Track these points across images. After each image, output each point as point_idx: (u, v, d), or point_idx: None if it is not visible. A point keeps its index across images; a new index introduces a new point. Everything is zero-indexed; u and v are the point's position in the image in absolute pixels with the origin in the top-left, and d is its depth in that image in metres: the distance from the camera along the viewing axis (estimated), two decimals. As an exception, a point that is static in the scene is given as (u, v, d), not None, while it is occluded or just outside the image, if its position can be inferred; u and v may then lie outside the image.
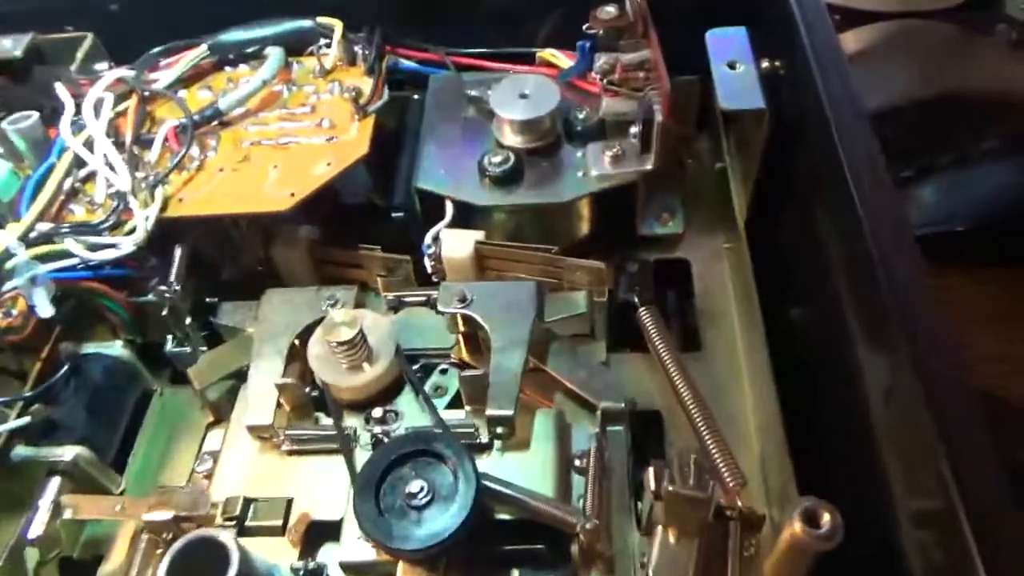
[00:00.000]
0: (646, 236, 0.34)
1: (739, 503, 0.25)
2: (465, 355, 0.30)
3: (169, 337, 0.30)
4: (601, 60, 0.31)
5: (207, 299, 0.31)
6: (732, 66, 0.28)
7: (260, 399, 0.27)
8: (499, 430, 0.26)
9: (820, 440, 0.27)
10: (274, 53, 0.32)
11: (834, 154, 0.25)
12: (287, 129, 0.31)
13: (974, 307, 0.41)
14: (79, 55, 0.33)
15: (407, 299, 0.32)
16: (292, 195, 0.28)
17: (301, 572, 0.24)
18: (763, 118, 0.27)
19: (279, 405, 0.27)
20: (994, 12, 0.55)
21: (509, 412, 0.26)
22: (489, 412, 0.26)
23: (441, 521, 0.23)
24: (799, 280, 0.29)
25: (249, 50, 0.33)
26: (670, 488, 0.21)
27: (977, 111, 0.48)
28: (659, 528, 0.23)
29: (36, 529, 0.25)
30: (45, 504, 0.26)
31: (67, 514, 0.25)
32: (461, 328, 0.30)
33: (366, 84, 0.32)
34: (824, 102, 0.25)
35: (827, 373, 0.27)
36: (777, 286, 0.30)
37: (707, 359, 0.31)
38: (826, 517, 0.17)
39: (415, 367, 0.30)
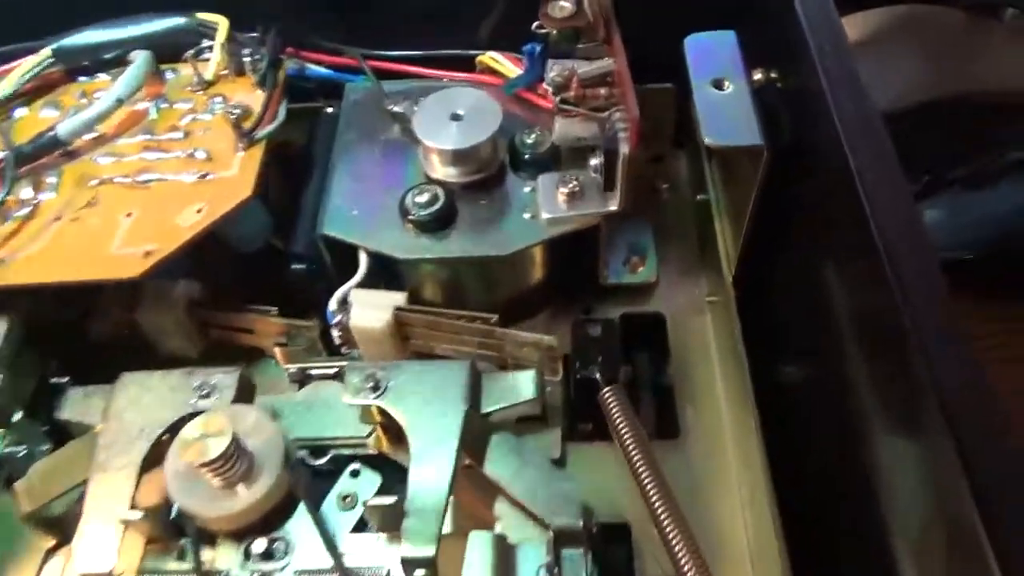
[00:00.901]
0: (608, 286, 0.28)
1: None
2: (386, 447, 0.24)
3: (-1, 433, 0.23)
4: (554, 71, 0.24)
5: (52, 380, 0.24)
6: (719, 85, 0.21)
7: (98, 536, 0.20)
8: (419, 573, 0.20)
9: (830, 548, 0.21)
10: (138, 59, 0.25)
11: (852, 192, 0.19)
12: (150, 162, 0.24)
13: (985, 347, 0.36)
14: None
15: (314, 372, 0.25)
16: (147, 255, 0.21)
17: None
18: (760, 156, 0.20)
19: (128, 544, 0.20)
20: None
21: (429, 553, 0.19)
22: (403, 553, 0.20)
23: None
24: (802, 346, 0.23)
25: (108, 55, 0.26)
26: None
27: (993, 115, 0.42)
28: None
29: None
30: None
31: None
32: (378, 418, 0.23)
33: (257, 100, 0.25)
34: (838, 127, 0.19)
35: (841, 463, 0.21)
36: (772, 350, 0.24)
37: (686, 448, 0.25)
38: None
39: (323, 460, 0.24)
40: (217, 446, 0.20)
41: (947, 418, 0.15)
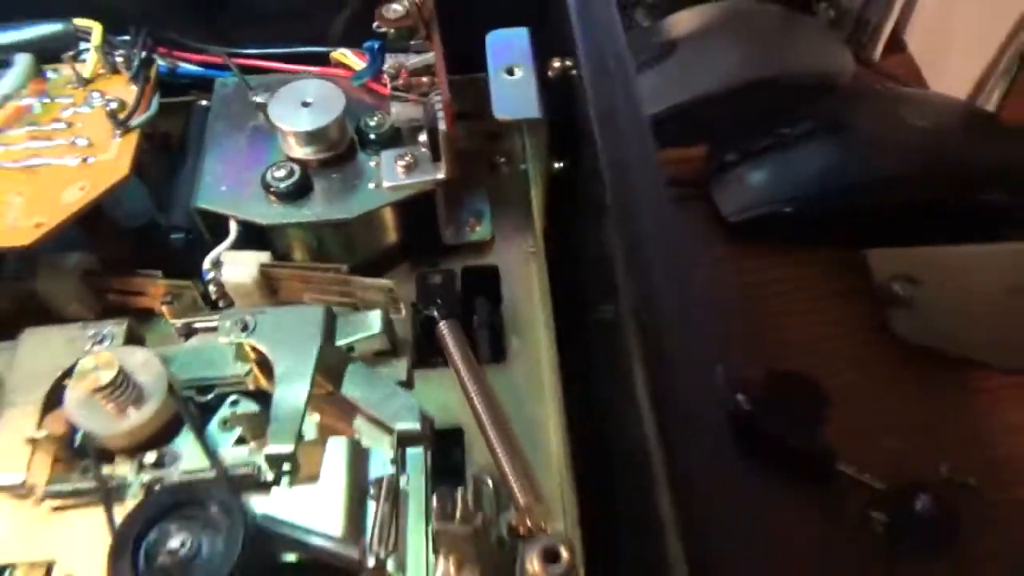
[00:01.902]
0: (452, 244, 0.33)
1: (529, 522, 0.25)
2: (263, 382, 0.29)
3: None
4: (388, 63, 0.30)
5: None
6: (510, 72, 0.27)
7: (9, 455, 0.24)
8: (284, 467, 0.25)
9: (605, 445, 0.27)
10: (20, 61, 0.29)
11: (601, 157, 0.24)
12: (36, 149, 0.28)
13: (797, 290, 0.43)
14: None
15: (197, 325, 0.30)
16: (38, 226, 0.25)
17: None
18: (540, 127, 0.26)
19: (36, 460, 0.25)
20: (813, -8, 0.57)
21: (288, 449, 0.24)
22: (267, 450, 0.24)
23: (206, 574, 0.22)
24: (589, 288, 0.29)
25: (-6, 58, 0.29)
26: (435, 524, 0.21)
27: (793, 94, 0.49)
28: (440, 558, 0.23)
29: None
30: None
31: None
32: (252, 356, 0.28)
33: (130, 93, 0.29)
34: (590, 102, 0.25)
35: (608, 385, 0.27)
36: (576, 292, 0.30)
37: (510, 370, 0.30)
38: (564, 556, 0.17)
39: (209, 397, 0.28)
40: (107, 375, 0.24)
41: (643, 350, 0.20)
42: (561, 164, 0.31)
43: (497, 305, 0.32)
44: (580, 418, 0.29)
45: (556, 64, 0.30)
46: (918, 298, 0.38)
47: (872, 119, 0.44)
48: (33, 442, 0.24)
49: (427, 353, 0.31)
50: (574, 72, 0.30)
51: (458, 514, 0.21)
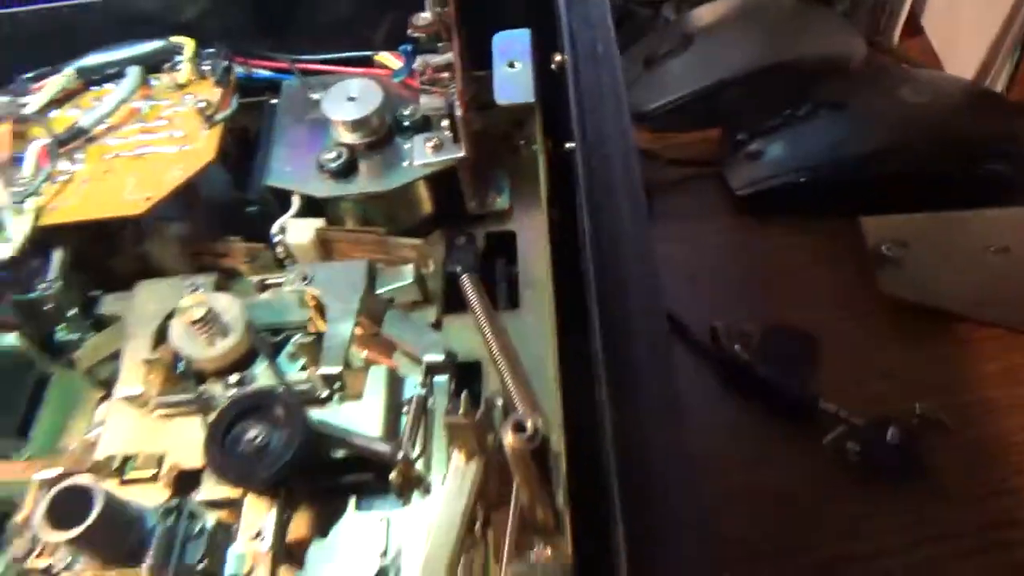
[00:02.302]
0: (477, 214, 0.39)
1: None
2: (320, 325, 0.35)
3: (59, 327, 0.35)
4: (417, 62, 0.36)
5: (91, 293, 0.36)
6: (511, 65, 0.32)
7: (132, 374, 0.32)
8: (335, 385, 0.32)
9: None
10: (131, 73, 0.37)
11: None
12: (144, 141, 0.35)
13: (796, 255, 0.47)
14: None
15: (271, 281, 0.37)
16: (147, 199, 0.33)
17: (165, 510, 0.29)
18: (533, 109, 0.32)
19: (150, 377, 0.32)
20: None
21: (337, 370, 0.31)
22: (320, 371, 0.31)
23: (273, 458, 0.28)
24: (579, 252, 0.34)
25: (111, 71, 0.37)
26: (444, 418, 0.27)
27: (805, 79, 0.53)
28: (454, 452, 0.29)
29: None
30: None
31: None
32: (311, 303, 0.35)
33: (216, 95, 0.36)
34: (571, 91, 0.30)
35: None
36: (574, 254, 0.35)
37: (522, 316, 0.36)
38: (528, 424, 0.23)
39: (277, 338, 0.35)
40: (199, 311, 0.31)
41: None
42: (571, 145, 0.37)
43: (513, 263, 0.38)
44: (572, 357, 0.34)
45: (557, 58, 0.36)
46: (906, 259, 0.42)
47: (872, 96, 0.48)
48: (148, 363, 0.32)
49: (453, 303, 0.37)
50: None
51: (461, 411, 0.27)
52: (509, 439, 0.23)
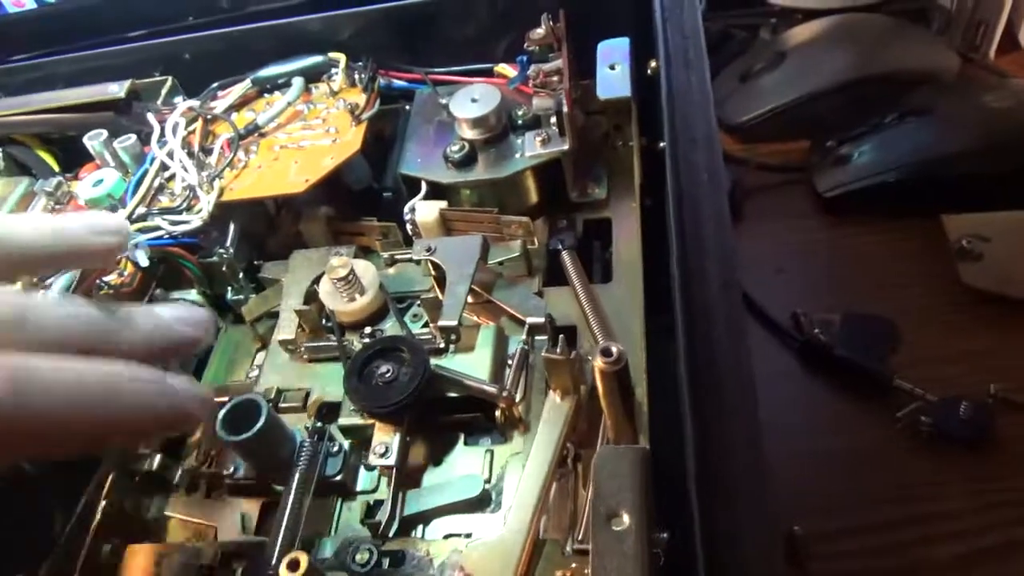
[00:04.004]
0: (578, 202, 0.44)
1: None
2: (439, 294, 0.41)
3: (229, 288, 0.42)
4: (531, 70, 0.42)
5: (256, 261, 0.43)
6: (612, 67, 0.38)
7: (287, 323, 0.39)
8: (451, 337, 0.37)
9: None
10: (296, 82, 0.44)
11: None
12: (305, 135, 0.43)
13: (878, 250, 0.49)
14: (163, 92, 0.46)
15: (398, 256, 0.43)
16: (307, 181, 0.40)
17: (311, 432, 0.36)
18: (629, 104, 0.37)
19: (300, 327, 0.39)
20: (926, 2, 0.63)
21: (453, 322, 0.37)
22: (439, 323, 0.37)
23: (400, 390, 0.34)
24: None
25: (280, 81, 0.45)
26: (544, 354, 0.32)
27: (895, 91, 0.55)
28: (550, 391, 0.34)
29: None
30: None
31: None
32: (433, 272, 0.41)
33: (363, 99, 0.43)
34: (663, 90, 0.35)
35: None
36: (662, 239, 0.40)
37: (614, 288, 0.40)
38: (614, 349, 0.27)
39: (402, 305, 0.41)
40: (342, 271, 0.38)
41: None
42: (664, 144, 0.42)
43: (607, 247, 0.43)
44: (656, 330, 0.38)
45: (653, 64, 0.41)
46: (987, 252, 0.44)
47: (956, 102, 0.50)
48: (300, 315, 0.38)
49: (552, 278, 0.42)
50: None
51: (559, 349, 0.32)
52: (598, 362, 0.28)
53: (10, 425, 0.19)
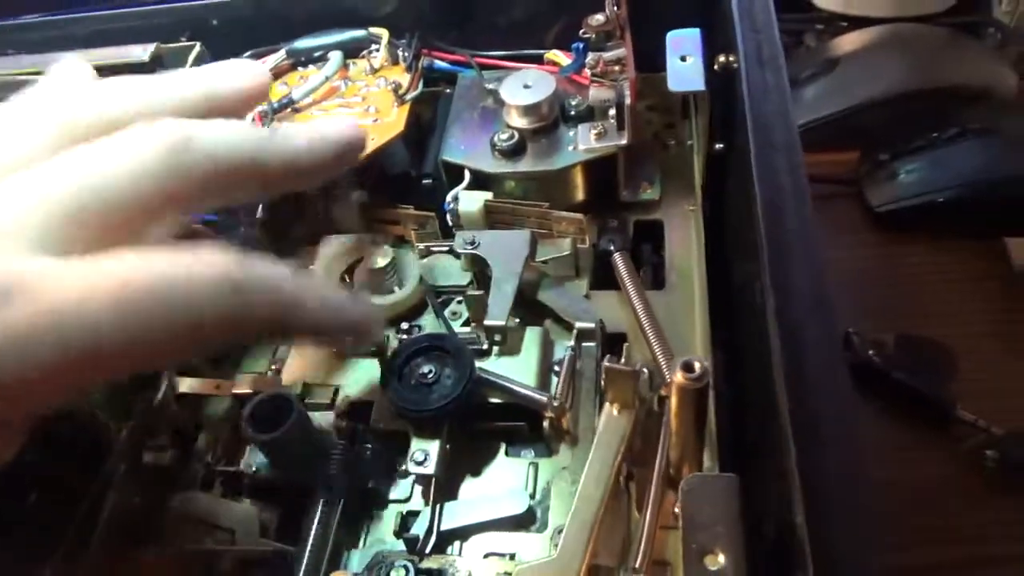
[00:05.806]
0: (628, 202, 0.41)
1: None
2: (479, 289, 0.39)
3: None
4: (589, 57, 0.39)
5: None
6: (683, 59, 0.35)
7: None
8: (496, 338, 0.35)
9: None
10: (334, 56, 0.41)
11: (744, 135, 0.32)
12: (343, 114, 0.40)
13: (935, 271, 0.47)
14: (190, 59, 0.43)
15: (435, 248, 0.40)
16: (349, 160, 0.37)
17: (341, 432, 0.33)
18: (704, 99, 0.34)
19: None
20: (982, 15, 0.61)
21: (501, 322, 0.34)
22: (486, 322, 0.34)
23: (443, 392, 0.31)
24: (736, 242, 0.36)
25: (316, 54, 0.42)
26: (605, 364, 0.29)
27: (951, 105, 0.53)
28: (606, 404, 0.31)
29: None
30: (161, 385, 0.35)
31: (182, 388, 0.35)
32: (473, 267, 0.38)
33: (405, 79, 0.41)
34: (743, 89, 0.32)
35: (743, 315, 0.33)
36: (722, 241, 0.37)
37: (668, 295, 0.38)
38: (698, 365, 0.25)
39: (440, 299, 0.39)
40: (383, 260, 0.35)
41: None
42: (720, 146, 0.39)
43: (658, 250, 0.40)
44: (721, 343, 0.36)
45: (721, 59, 0.38)
46: (1054, 280, 0.42)
47: (1019, 122, 0.48)
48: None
49: (600, 281, 0.39)
50: (735, 65, 0.38)
51: (622, 360, 0.29)
52: (679, 377, 0.25)
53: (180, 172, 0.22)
